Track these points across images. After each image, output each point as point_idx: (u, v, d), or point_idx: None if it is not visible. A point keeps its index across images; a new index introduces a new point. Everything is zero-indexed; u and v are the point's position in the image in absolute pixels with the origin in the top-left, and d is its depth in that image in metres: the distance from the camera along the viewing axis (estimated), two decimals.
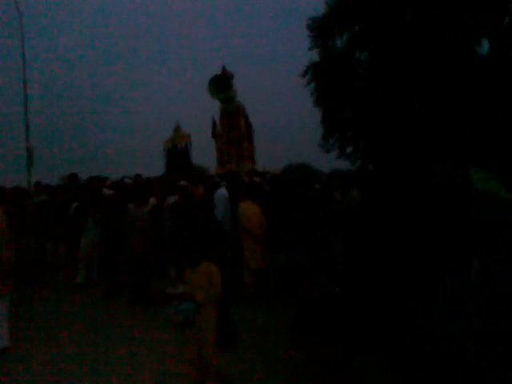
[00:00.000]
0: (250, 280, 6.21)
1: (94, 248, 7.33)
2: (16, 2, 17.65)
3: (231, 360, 4.17)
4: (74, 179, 9.40)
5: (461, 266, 2.68)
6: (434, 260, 2.93)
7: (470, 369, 2.55)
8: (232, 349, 4.23)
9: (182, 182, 7.78)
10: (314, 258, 3.75)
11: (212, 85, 13.76)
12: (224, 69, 13.97)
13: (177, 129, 14.14)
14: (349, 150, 18.64)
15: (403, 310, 3.32)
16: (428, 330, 2.82)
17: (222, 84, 13.59)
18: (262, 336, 4.89)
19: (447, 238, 2.87)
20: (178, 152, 13.85)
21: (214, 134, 13.89)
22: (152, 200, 7.49)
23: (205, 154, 15.65)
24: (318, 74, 17.98)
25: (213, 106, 14.16)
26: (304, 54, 17.98)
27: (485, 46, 15.03)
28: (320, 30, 17.67)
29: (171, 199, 7.38)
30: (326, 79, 17.46)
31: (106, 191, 7.63)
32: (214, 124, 13.83)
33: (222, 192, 6.90)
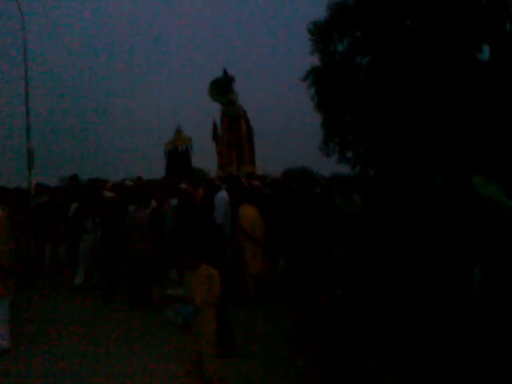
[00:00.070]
0: (250, 284, 6.22)
1: (94, 250, 7.34)
2: (18, 1, 17.71)
3: (231, 363, 4.19)
4: (75, 181, 9.43)
5: (461, 266, 2.70)
6: (434, 261, 2.95)
7: (469, 369, 2.56)
8: (230, 356, 4.25)
9: (182, 185, 7.80)
10: (313, 258, 3.76)
11: (213, 88, 13.78)
12: (225, 71, 14.01)
13: (178, 131, 14.15)
14: (349, 154, 18.78)
15: (403, 310, 3.34)
16: (428, 329, 2.83)
17: (223, 87, 13.62)
18: (262, 339, 4.90)
19: (448, 239, 2.89)
20: (178, 154, 13.86)
21: (215, 137, 13.90)
22: (153, 202, 7.51)
23: (205, 157, 15.68)
24: (318, 79, 18.10)
25: (214, 109, 14.19)
26: (305, 57, 18.05)
27: (485, 52, 15.13)
28: (321, 34, 17.81)
29: (173, 202, 7.39)
30: (327, 84, 17.58)
31: (107, 193, 7.65)
32: (215, 127, 13.85)
33: (223, 195, 6.91)
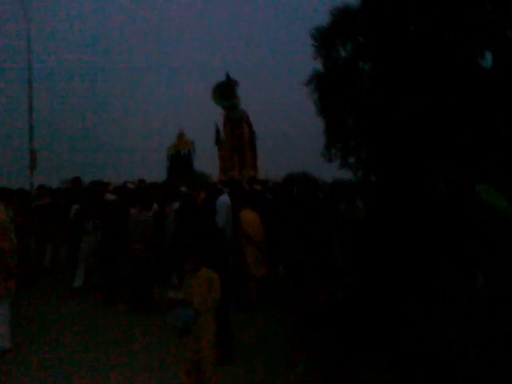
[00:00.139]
0: (252, 288, 6.21)
1: (94, 251, 7.33)
2: (23, 3, 17.83)
3: (232, 366, 4.20)
4: (77, 183, 9.44)
5: (462, 268, 2.70)
6: (434, 263, 2.95)
7: (469, 369, 2.56)
8: (226, 360, 4.24)
9: (183, 189, 7.80)
10: (314, 258, 3.75)
11: (216, 92, 13.84)
12: (228, 76, 14.07)
13: (180, 135, 14.21)
14: (351, 160, 18.78)
15: (403, 311, 3.34)
16: (428, 330, 2.83)
17: (226, 91, 13.68)
18: (263, 343, 4.90)
19: (448, 239, 2.89)
20: (180, 158, 13.90)
21: (218, 141, 13.94)
22: (154, 205, 7.52)
23: (208, 161, 15.70)
24: (321, 84, 18.14)
25: (217, 113, 14.23)
26: (308, 62, 18.09)
27: (488, 59, 15.14)
28: (324, 39, 17.87)
29: (175, 205, 7.40)
30: (330, 89, 17.62)
31: (109, 196, 7.66)
32: (218, 131, 13.89)
33: (225, 199, 6.91)
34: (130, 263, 6.55)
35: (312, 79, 18.53)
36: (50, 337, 5.19)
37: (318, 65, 18.44)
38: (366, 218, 5.34)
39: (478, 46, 14.68)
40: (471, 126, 13.23)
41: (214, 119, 14.19)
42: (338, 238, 4.10)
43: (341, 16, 17.36)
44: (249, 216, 6.30)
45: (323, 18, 18.06)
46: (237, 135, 13.63)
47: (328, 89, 17.82)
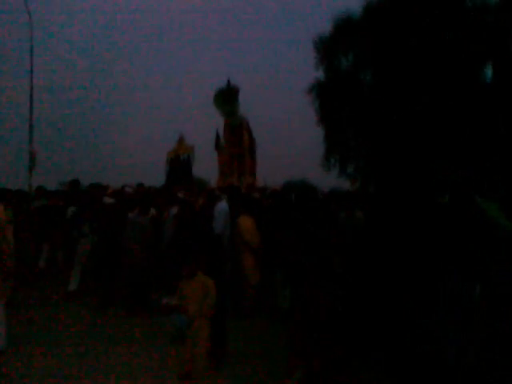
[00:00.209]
0: (250, 295, 6.20)
1: (90, 254, 7.29)
2: (26, 6, 17.93)
3: (231, 365, 4.24)
4: (76, 185, 9.42)
5: (462, 268, 2.71)
6: (434, 263, 2.96)
7: (469, 369, 2.55)
8: (219, 366, 4.24)
9: (180, 194, 7.79)
10: (314, 258, 3.76)
11: (218, 98, 13.91)
12: (229, 82, 14.14)
13: (180, 140, 14.24)
14: (350, 169, 18.79)
15: (403, 311, 3.34)
16: (428, 330, 2.83)
17: (228, 97, 13.75)
18: (260, 347, 4.92)
19: (448, 240, 2.90)
20: (180, 163, 13.92)
21: (217, 147, 13.98)
22: (152, 210, 7.50)
23: (207, 167, 15.71)
24: (322, 93, 18.21)
25: (217, 119, 14.29)
26: (310, 70, 18.18)
27: (488, 73, 15.26)
28: (326, 49, 17.97)
29: (173, 210, 7.39)
30: (330, 98, 17.68)
31: (107, 199, 7.65)
32: (218, 137, 13.94)
33: (223, 205, 6.91)
34: (128, 268, 6.53)
35: (313, 88, 18.60)
36: (50, 338, 5.18)
37: (320, 74, 18.53)
38: (365, 222, 5.36)
39: (478, 59, 14.79)
40: (471, 126, 13.30)
41: (214, 125, 14.26)
42: (338, 238, 4.12)
43: (343, 26, 17.48)
44: (247, 222, 6.31)
45: (325, 28, 18.13)
46: (237, 141, 13.67)
47: (328, 98, 17.89)
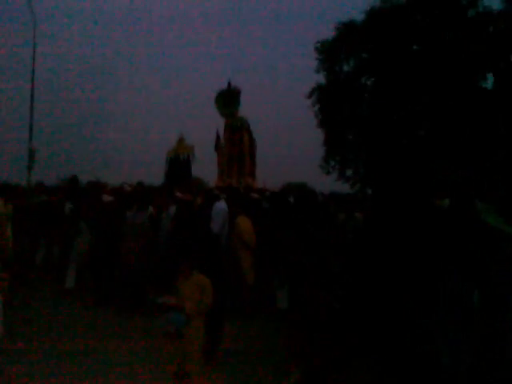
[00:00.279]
0: (247, 295, 6.20)
1: (86, 252, 7.26)
2: (30, 3, 17.95)
3: (231, 365, 4.24)
4: (74, 182, 9.41)
5: (461, 268, 2.71)
6: (434, 263, 2.96)
7: (469, 369, 2.56)
8: (213, 362, 4.23)
9: (178, 194, 7.78)
10: (314, 258, 3.77)
11: (220, 99, 13.92)
12: (229, 83, 14.14)
13: (180, 139, 14.21)
14: (349, 172, 18.84)
15: (403, 311, 3.34)
16: (427, 330, 2.83)
17: (229, 99, 13.75)
18: (256, 348, 4.92)
19: (448, 240, 2.91)
20: (179, 162, 13.88)
21: (217, 147, 13.96)
22: (150, 208, 7.48)
23: (207, 167, 15.71)
24: (323, 96, 18.27)
25: (218, 120, 14.27)
26: (311, 74, 18.22)
27: (489, 81, 15.32)
28: (328, 53, 18.04)
29: (172, 209, 7.38)
30: (331, 102, 17.74)
31: (106, 197, 7.63)
32: (218, 137, 13.91)
33: (222, 205, 6.91)
34: (125, 266, 6.51)
35: (314, 91, 18.66)
36: (49, 337, 5.15)
37: (321, 78, 18.60)
38: (364, 223, 5.38)
39: (480, 63, 14.85)
40: (471, 127, 13.34)
41: (214, 125, 14.24)
42: (337, 239, 4.13)
43: (345, 31, 17.55)
44: (246, 223, 6.31)
45: (327, 32, 18.20)
46: (237, 143, 13.65)
47: (329, 102, 17.94)
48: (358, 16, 17.33)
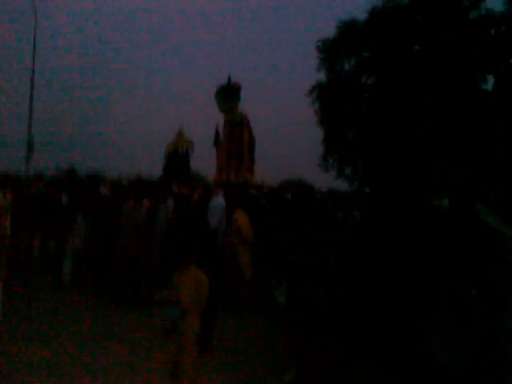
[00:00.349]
0: (244, 290, 6.20)
1: (83, 244, 7.23)
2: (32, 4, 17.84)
3: (231, 364, 4.27)
4: (72, 173, 9.40)
5: (460, 268, 2.71)
6: (434, 263, 2.97)
7: (468, 369, 2.56)
8: (206, 354, 4.24)
9: (174, 188, 7.76)
10: (313, 258, 3.77)
11: (220, 94, 13.86)
12: (229, 79, 14.08)
13: (180, 133, 14.17)
14: (347, 171, 18.85)
15: (402, 311, 3.35)
16: (427, 330, 2.84)
17: (229, 94, 13.70)
18: (251, 344, 4.96)
19: (447, 240, 2.91)
20: (178, 156, 13.85)
21: (216, 143, 13.92)
22: (146, 202, 7.44)
23: (206, 163, 15.67)
24: (323, 94, 18.26)
25: (217, 115, 14.22)
26: (311, 72, 18.20)
27: (489, 83, 15.33)
28: (329, 52, 18.01)
29: (169, 203, 7.36)
30: (331, 100, 17.73)
31: (103, 190, 7.62)
32: (217, 133, 13.86)
33: (219, 200, 6.90)
34: (122, 259, 6.49)
35: (314, 89, 18.63)
36: (48, 334, 5.12)
37: (322, 77, 18.58)
38: (362, 223, 5.38)
39: (480, 70, 14.86)
40: (471, 127, 13.36)
41: (214, 120, 14.20)
42: (336, 238, 4.14)
43: (347, 30, 17.51)
44: (244, 219, 6.30)
45: (328, 30, 18.16)
46: (236, 138, 13.61)
47: (329, 100, 17.93)
48: (360, 15, 17.32)
